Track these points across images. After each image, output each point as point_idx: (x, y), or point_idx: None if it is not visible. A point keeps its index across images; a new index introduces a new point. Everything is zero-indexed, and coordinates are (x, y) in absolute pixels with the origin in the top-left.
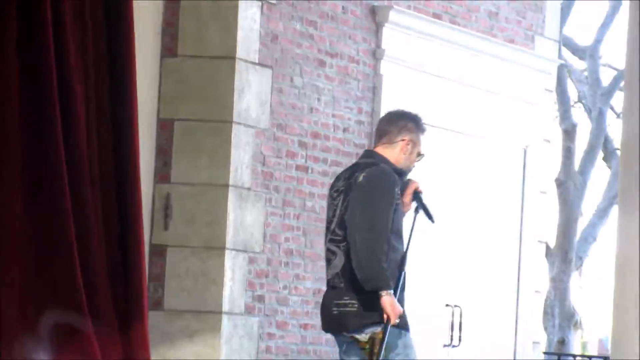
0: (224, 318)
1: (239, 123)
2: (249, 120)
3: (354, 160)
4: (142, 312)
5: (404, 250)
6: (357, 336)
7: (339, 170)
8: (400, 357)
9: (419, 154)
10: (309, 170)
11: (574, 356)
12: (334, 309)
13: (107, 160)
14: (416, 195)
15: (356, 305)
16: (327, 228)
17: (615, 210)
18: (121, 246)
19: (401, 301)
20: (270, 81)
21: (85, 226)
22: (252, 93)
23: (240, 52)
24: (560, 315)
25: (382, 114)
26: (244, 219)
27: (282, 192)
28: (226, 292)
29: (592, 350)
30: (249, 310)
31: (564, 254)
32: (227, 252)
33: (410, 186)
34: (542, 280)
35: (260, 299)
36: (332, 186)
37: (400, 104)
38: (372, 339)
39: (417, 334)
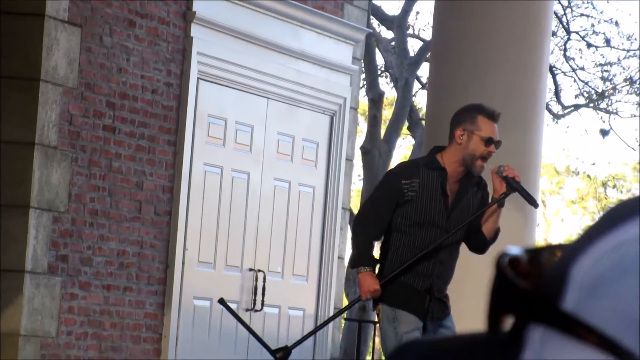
0: (27, 277)
1: (46, 81)
2: (56, 79)
3: (161, 122)
4: None
5: (428, 235)
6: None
7: (147, 131)
8: (388, 331)
9: (487, 140)
10: (116, 131)
11: (375, 323)
12: None
13: None
14: (508, 181)
15: None
16: None
17: None
18: None
19: (415, 281)
20: (79, 40)
21: None
22: (60, 51)
23: (49, 10)
24: None
25: (192, 76)
26: (49, 178)
27: (89, 152)
28: (29, 251)
29: None
30: (52, 270)
31: None
32: (31, 211)
33: (492, 170)
34: (345, 247)
35: (64, 258)
36: None
37: (210, 67)
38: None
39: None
